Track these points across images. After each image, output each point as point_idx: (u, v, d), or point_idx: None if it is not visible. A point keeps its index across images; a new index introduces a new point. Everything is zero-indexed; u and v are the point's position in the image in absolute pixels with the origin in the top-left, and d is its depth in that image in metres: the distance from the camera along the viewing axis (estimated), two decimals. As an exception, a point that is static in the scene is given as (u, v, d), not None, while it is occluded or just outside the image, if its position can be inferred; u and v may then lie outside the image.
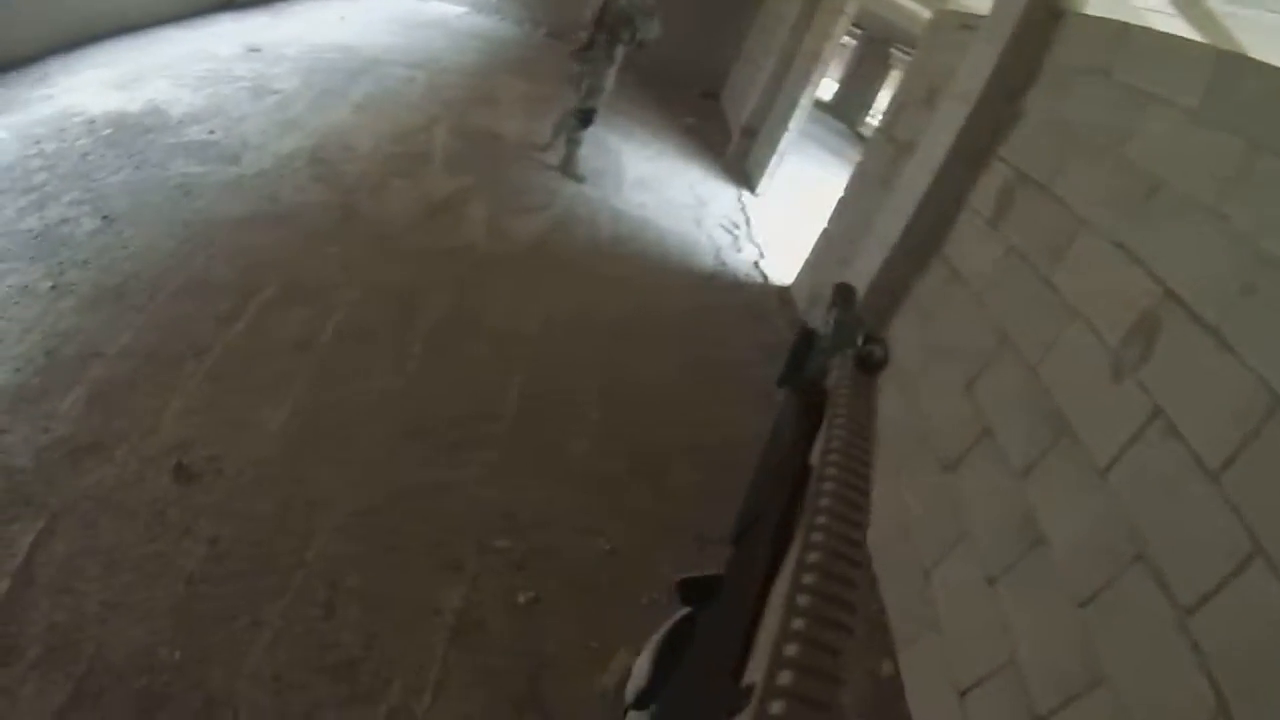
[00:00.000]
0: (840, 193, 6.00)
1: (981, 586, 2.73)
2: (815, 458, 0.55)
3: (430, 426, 3.36)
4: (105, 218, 3.96)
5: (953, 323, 3.54)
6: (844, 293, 0.87)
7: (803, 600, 0.39)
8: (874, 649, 3.12)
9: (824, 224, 6.08)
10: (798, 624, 0.37)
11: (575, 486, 3.32)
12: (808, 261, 6.11)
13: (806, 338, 0.81)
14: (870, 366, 0.63)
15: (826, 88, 16.80)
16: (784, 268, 6.73)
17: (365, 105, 7.21)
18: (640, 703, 0.63)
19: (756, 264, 6.84)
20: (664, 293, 5.59)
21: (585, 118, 7.21)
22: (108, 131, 4.83)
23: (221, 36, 7.65)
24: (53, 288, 3.38)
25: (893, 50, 19.65)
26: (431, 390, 3.60)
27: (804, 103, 8.38)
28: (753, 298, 6.09)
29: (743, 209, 8.32)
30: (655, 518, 3.35)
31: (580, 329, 4.61)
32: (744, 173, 9.50)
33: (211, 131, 5.39)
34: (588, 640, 2.70)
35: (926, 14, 6.01)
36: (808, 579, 0.40)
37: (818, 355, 0.76)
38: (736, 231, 7.55)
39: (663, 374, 4.45)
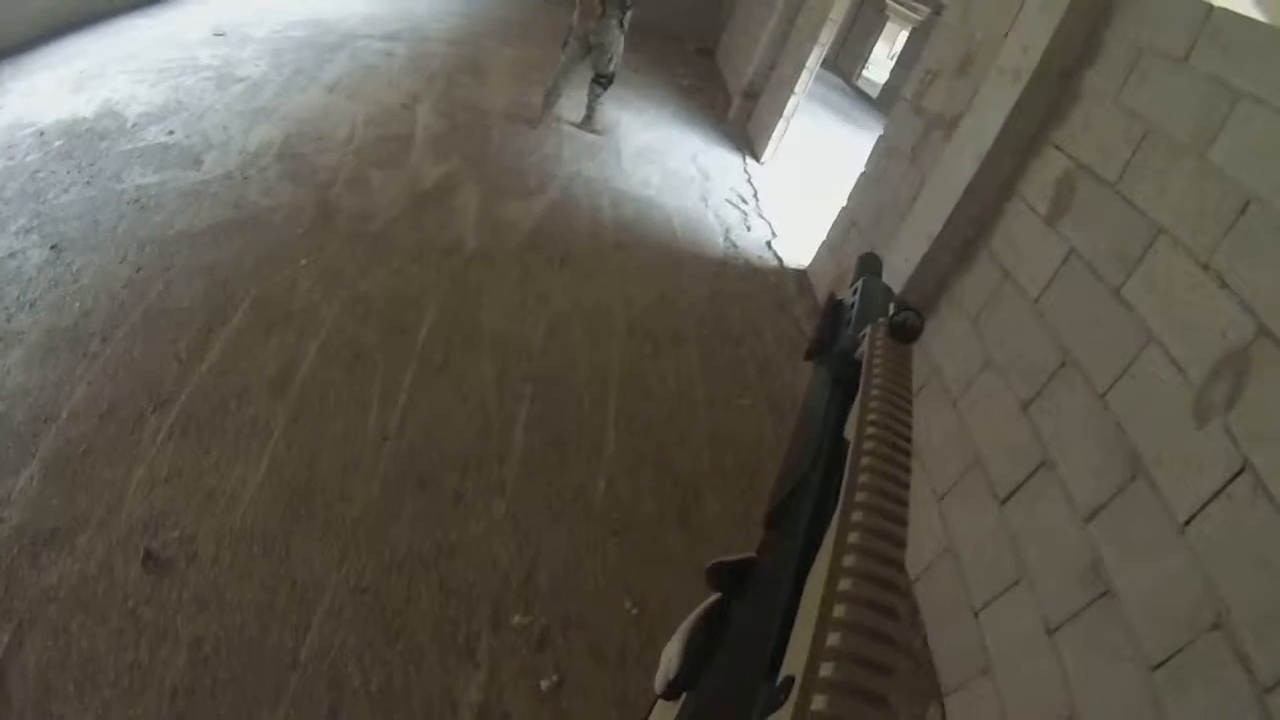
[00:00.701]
0: (859, 166, 5.68)
1: (1039, 634, 2.50)
2: (850, 432, 0.51)
3: (429, 474, 3.10)
4: (54, 247, 3.67)
5: (1005, 331, 3.26)
6: (869, 262, 0.86)
7: (845, 584, 0.36)
8: (918, 691, 2.90)
9: (842, 200, 5.77)
10: (840, 610, 0.35)
11: (596, 537, 3.06)
12: (825, 244, 5.82)
13: (834, 309, 0.78)
14: (905, 335, 0.60)
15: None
16: (798, 247, 6.45)
17: (340, 86, 6.93)
18: (669, 694, 0.59)
19: (769, 244, 6.55)
20: (675, 284, 5.30)
21: (607, 82, 7.64)
22: (59, 143, 4.53)
23: (186, 21, 7.35)
24: (-1, 338, 3.11)
25: (889, 0, 19.36)
26: (428, 427, 3.32)
27: (811, 65, 8.02)
28: (769, 284, 5.80)
29: (749, 180, 8.01)
30: (686, 562, 3.10)
31: (588, 334, 4.34)
32: (747, 139, 9.18)
33: (171, 132, 5.08)
34: (620, 726, 2.47)
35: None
36: (849, 561, 0.38)
37: (846, 326, 0.73)
38: (745, 207, 7.24)
39: (681, 384, 4.17)
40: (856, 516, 0.40)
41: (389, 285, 4.21)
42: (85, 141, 4.65)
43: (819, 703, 0.31)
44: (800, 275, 5.98)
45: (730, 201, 7.28)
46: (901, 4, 18.75)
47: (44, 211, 3.91)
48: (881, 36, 21.92)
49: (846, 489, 0.44)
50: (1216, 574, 1.98)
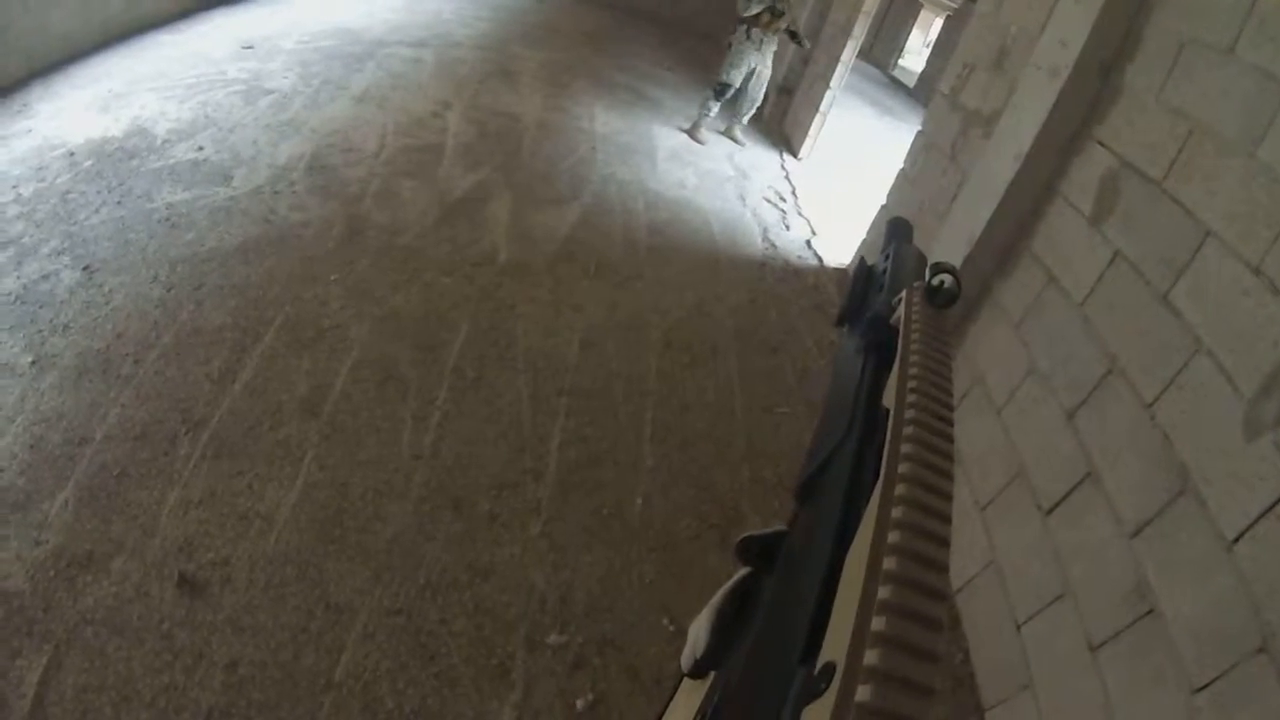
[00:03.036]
0: (898, 160, 5.69)
1: (1082, 652, 2.49)
2: (889, 400, 0.51)
3: (463, 495, 3.15)
4: (86, 268, 3.79)
5: (1050, 337, 3.25)
6: (900, 226, 0.84)
7: (890, 563, 0.35)
8: (959, 707, 2.91)
9: (881, 194, 5.79)
10: (885, 592, 0.33)
11: (633, 555, 3.10)
12: (865, 242, 5.83)
13: (865, 274, 0.77)
14: (942, 299, 0.59)
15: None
16: (838, 245, 6.46)
17: (369, 96, 7.04)
18: (696, 672, 0.59)
19: (809, 243, 6.57)
20: (712, 291, 5.33)
21: (718, 90, 8.20)
22: (89, 163, 4.66)
23: (213, 35, 7.53)
24: (33, 362, 3.22)
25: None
26: (462, 446, 3.38)
27: (845, 58, 8.03)
28: (809, 285, 5.81)
29: (787, 177, 8.03)
30: (726, 579, 3.12)
31: (623, 346, 4.37)
32: (784, 135, 9.19)
33: (200, 148, 5.20)
34: (657, 747, 2.50)
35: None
36: (894, 538, 0.36)
37: (878, 292, 0.71)
38: (783, 205, 7.27)
39: (719, 396, 4.20)
40: (901, 490, 0.39)
41: (421, 300, 4.28)
42: (115, 161, 4.77)
43: (864, 693, 0.30)
44: (840, 275, 5.98)
45: (768, 200, 7.30)
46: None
47: (75, 233, 4.03)
48: (916, 24, 21.87)
49: (889, 460, 0.42)
50: (1264, 596, 1.96)
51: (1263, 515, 2.05)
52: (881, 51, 21.07)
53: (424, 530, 2.96)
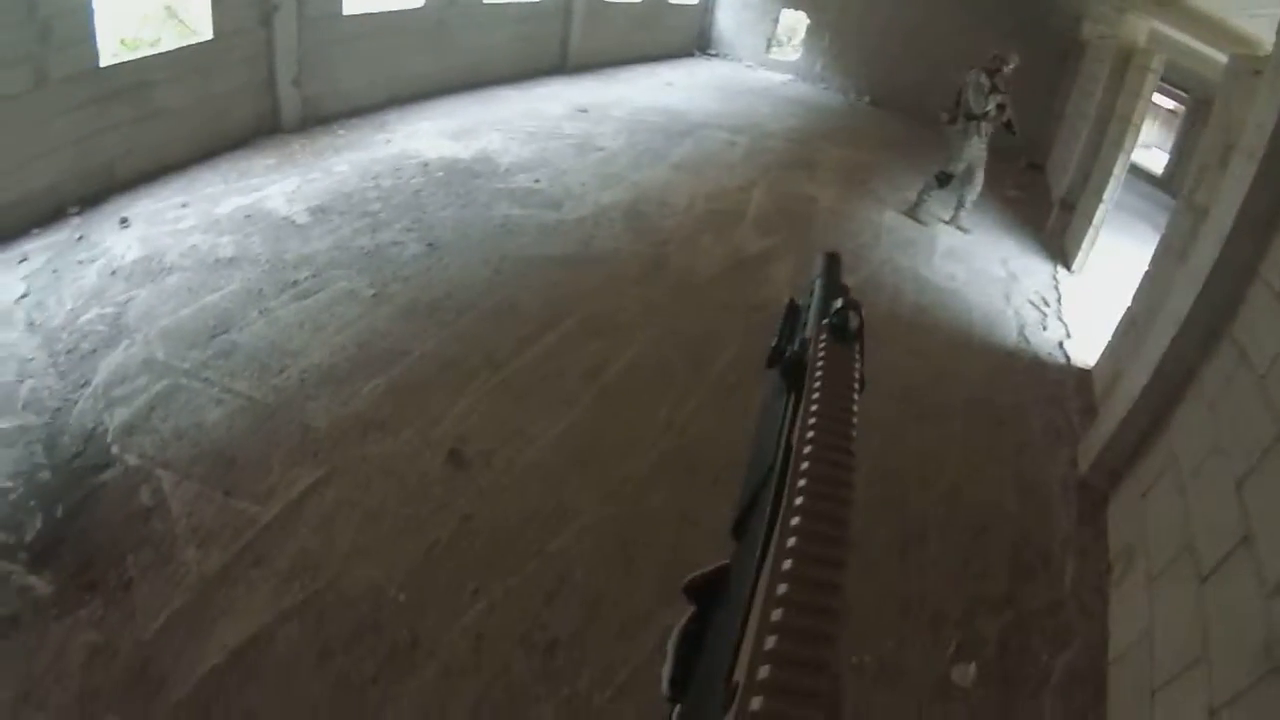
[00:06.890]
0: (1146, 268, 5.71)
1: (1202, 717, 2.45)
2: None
3: (698, 463, 3.60)
4: (430, 245, 4.74)
5: (1233, 412, 3.29)
6: (829, 261, 0.82)
7: (781, 588, 0.37)
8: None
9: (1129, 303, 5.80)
10: (777, 614, 0.36)
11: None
12: (1110, 344, 5.85)
13: (792, 312, 0.78)
14: (844, 335, 0.60)
15: (1156, 159, 15.85)
16: (1090, 350, 6.45)
17: (684, 165, 7.82)
18: (672, 696, 0.61)
19: (1061, 344, 6.60)
20: (954, 366, 5.56)
21: (941, 179, 8.40)
22: (440, 174, 5.75)
23: (551, 98, 8.73)
24: (374, 295, 4.15)
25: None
26: (709, 430, 3.86)
27: (1117, 172, 7.96)
28: (1049, 379, 5.88)
29: (1055, 285, 8.03)
30: (900, 582, 3.35)
31: (866, 394, 4.64)
32: (1061, 248, 9.14)
33: (537, 180, 6.19)
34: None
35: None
36: (787, 565, 0.38)
37: (800, 329, 0.72)
38: (1045, 309, 7.30)
39: (937, 446, 4.45)
40: (794, 521, 0.41)
41: (701, 325, 4.86)
42: (463, 177, 5.84)
43: (755, 703, 0.32)
44: (1083, 374, 6.01)
45: (1032, 302, 7.35)
46: None
47: (423, 219, 5.04)
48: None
49: (788, 493, 0.44)
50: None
51: None
52: (1182, 180, 19.55)
53: (654, 481, 3.49)
